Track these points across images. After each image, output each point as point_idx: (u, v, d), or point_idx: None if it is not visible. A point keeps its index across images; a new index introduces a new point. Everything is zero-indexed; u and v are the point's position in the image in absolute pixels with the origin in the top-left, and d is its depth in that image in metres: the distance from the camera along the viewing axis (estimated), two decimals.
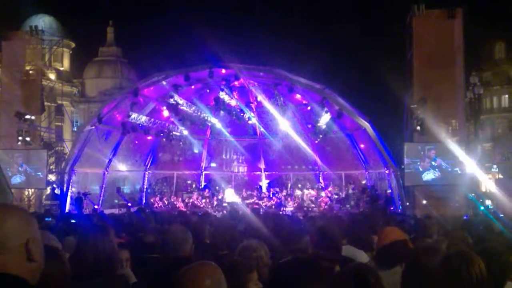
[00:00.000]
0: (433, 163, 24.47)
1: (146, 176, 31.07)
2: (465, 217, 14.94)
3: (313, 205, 27.49)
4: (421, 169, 24.55)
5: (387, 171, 26.35)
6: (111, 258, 4.01)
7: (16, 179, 27.72)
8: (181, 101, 25.42)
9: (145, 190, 30.38)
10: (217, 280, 2.61)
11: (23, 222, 2.18)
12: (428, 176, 24.61)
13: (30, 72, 30.62)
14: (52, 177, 30.31)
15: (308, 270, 2.52)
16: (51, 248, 2.93)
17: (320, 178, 30.82)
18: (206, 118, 26.95)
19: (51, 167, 30.95)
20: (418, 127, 24.42)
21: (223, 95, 25.10)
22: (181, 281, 2.58)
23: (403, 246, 4.64)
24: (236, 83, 25.82)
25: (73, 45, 57.49)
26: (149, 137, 28.53)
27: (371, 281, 3.05)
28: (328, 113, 24.62)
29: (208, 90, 27.39)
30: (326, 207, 26.90)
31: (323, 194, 28.29)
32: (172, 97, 25.08)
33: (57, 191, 27.32)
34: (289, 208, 27.05)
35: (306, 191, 28.85)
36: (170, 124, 27.52)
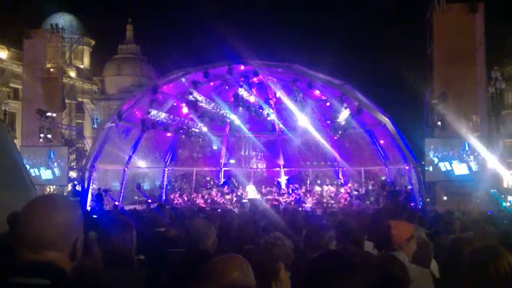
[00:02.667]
0: (456, 160, 24.24)
1: (166, 172, 31.23)
2: (489, 213, 14.79)
3: (332, 201, 27.43)
4: (443, 166, 24.31)
5: (407, 167, 26.18)
6: (130, 251, 4.06)
7: (39, 176, 27.99)
8: (200, 97, 25.48)
9: (165, 186, 30.56)
10: (244, 272, 2.61)
11: (75, 219, 2.23)
12: (458, 171, 24.29)
13: (51, 70, 30.90)
14: (73, 174, 30.59)
15: (339, 265, 2.51)
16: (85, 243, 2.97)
17: (340, 174, 30.74)
18: (225, 114, 27.02)
19: (72, 164, 31.24)
20: (439, 123, 24.19)
21: (242, 92, 25.11)
22: (208, 273, 2.59)
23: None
24: (255, 79, 25.81)
25: (93, 43, 57.92)
26: (168, 134, 28.67)
27: (397, 273, 3.02)
28: (348, 109, 24.50)
29: (227, 87, 27.42)
30: (345, 203, 26.85)
31: (342, 190, 28.24)
32: (191, 93, 25.13)
33: (78, 187, 27.56)
34: (308, 204, 27.02)
35: (325, 187, 28.79)
36: (189, 121, 27.61)
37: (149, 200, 26.76)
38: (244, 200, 27.34)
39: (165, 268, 4.80)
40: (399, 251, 4.20)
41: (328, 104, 26.61)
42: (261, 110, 26.37)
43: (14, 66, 44.99)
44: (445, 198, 24.78)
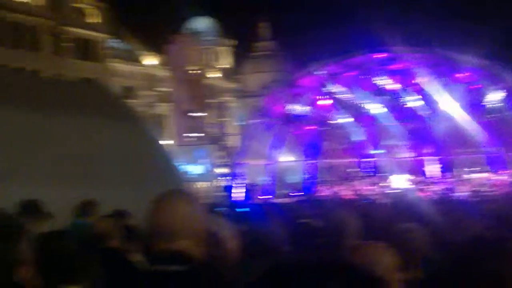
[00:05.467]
0: None
1: (311, 165, 31.37)
2: None
3: (486, 189, 25.92)
4: None
5: None
6: (278, 243, 4.12)
7: (189, 173, 29.42)
8: (339, 89, 25.28)
9: (310, 179, 30.72)
10: (381, 259, 2.57)
11: (196, 211, 2.39)
12: None
13: (194, 72, 32.37)
14: (220, 170, 31.79)
15: (487, 250, 2.33)
16: (211, 234, 3.09)
17: (492, 160, 28.95)
18: (366, 104, 26.59)
19: (219, 160, 32.47)
20: None
21: (382, 80, 24.55)
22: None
23: None
24: (394, 66, 25.10)
25: (231, 43, 59.78)
26: (310, 127, 28.79)
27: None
28: (499, 91, 23.04)
29: (366, 76, 26.96)
30: (502, 189, 25.25)
31: (496, 176, 26.60)
32: (329, 85, 25.02)
33: (226, 183, 28.55)
34: (460, 192, 25.76)
35: (477, 174, 27.31)
36: (329, 113, 27.54)
37: (295, 193, 27.07)
38: (390, 191, 26.69)
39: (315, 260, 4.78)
40: None
41: (476, 86, 25.19)
42: (403, 98, 25.64)
43: (159, 70, 47.74)
44: None
